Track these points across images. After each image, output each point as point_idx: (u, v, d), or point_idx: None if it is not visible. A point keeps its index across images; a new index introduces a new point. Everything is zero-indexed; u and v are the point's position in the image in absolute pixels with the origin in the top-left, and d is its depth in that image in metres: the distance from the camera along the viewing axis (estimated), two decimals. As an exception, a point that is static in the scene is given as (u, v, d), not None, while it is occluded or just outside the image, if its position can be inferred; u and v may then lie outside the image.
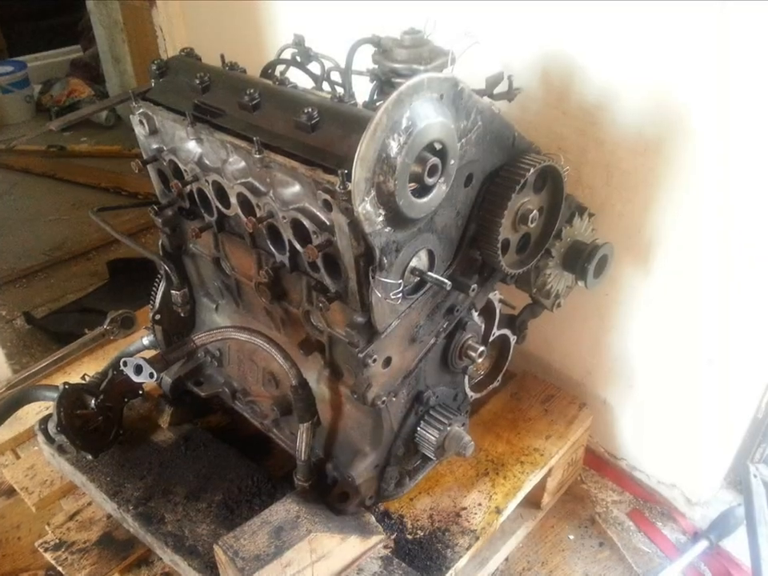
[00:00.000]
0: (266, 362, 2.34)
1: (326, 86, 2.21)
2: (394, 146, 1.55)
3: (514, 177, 1.87)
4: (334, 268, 1.82)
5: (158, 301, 2.48)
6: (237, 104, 1.92)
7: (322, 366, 2.19)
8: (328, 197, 1.64)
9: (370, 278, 1.73)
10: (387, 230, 1.67)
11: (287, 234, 1.85)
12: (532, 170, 1.87)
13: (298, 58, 2.23)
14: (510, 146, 1.91)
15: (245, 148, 1.83)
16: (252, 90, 1.88)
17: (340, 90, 2.13)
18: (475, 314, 2.19)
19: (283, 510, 2.10)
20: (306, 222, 1.76)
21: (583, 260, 2.22)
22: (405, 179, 1.59)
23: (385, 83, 2.02)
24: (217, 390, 2.51)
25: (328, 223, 1.73)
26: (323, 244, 1.74)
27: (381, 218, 1.63)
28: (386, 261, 1.72)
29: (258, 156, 1.77)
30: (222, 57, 2.18)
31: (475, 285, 1.96)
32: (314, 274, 1.92)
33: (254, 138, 1.77)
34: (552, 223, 2.10)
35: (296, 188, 1.78)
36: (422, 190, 1.66)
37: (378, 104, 1.88)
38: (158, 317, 2.50)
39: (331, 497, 2.18)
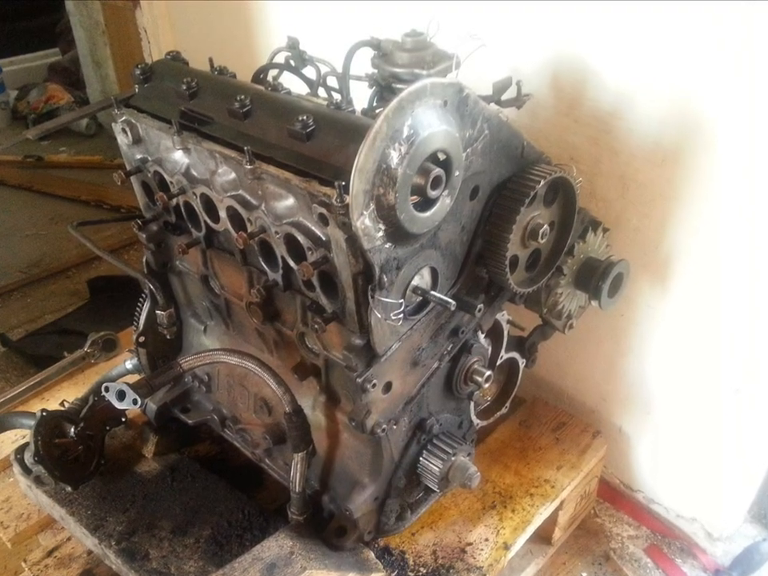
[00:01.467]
0: (257, 387, 2.34)
1: (321, 91, 2.22)
2: (394, 156, 1.55)
3: (522, 189, 1.87)
4: (331, 287, 1.82)
5: (142, 322, 2.47)
6: (226, 111, 1.92)
7: (317, 391, 2.18)
8: (324, 210, 1.64)
9: (369, 297, 1.73)
10: (387, 245, 1.67)
11: (280, 251, 1.85)
12: (542, 182, 1.87)
13: (292, 62, 2.24)
14: (518, 156, 1.91)
15: (235, 158, 1.83)
16: (243, 97, 1.88)
17: (337, 96, 2.14)
18: (481, 336, 2.19)
19: (276, 545, 2.09)
20: (301, 238, 1.76)
21: (597, 278, 2.22)
22: (406, 192, 1.59)
23: (385, 89, 2.02)
24: (205, 417, 2.51)
25: (324, 239, 1.73)
26: (319, 261, 1.74)
27: (380, 234, 1.63)
28: (386, 279, 1.71)
29: (249, 167, 1.77)
30: (211, 60, 2.18)
31: (481, 305, 1.96)
32: (309, 294, 1.92)
33: (245, 148, 1.77)
34: (563, 239, 2.10)
35: (290, 201, 1.78)
36: (425, 204, 1.66)
37: (377, 111, 1.88)
38: (142, 339, 2.49)
39: (327, 531, 2.18)
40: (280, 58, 2.25)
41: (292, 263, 1.84)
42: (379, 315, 1.76)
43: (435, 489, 2.22)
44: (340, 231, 1.63)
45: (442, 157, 1.65)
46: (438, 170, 1.61)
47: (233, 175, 1.91)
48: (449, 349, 2.08)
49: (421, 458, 2.18)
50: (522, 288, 2.07)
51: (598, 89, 2.28)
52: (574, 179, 1.98)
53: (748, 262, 2.20)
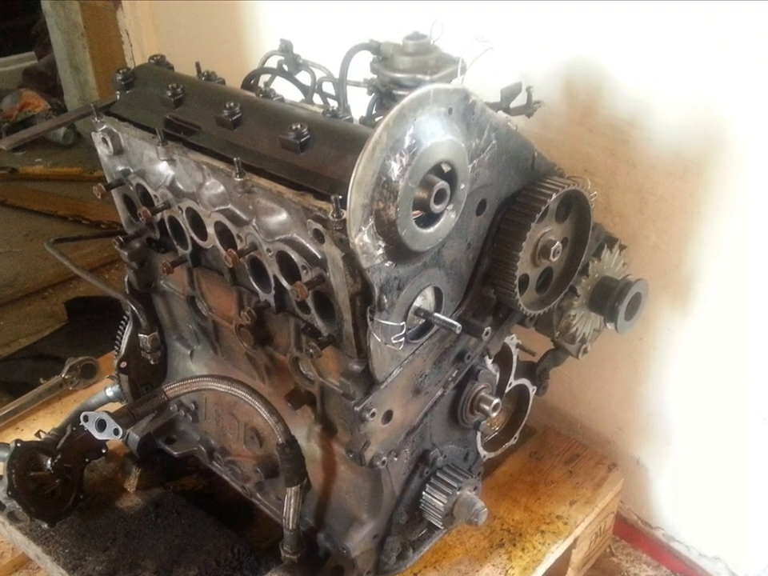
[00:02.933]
0: (248, 416, 2.33)
1: (317, 98, 2.23)
2: (395, 168, 1.55)
3: (533, 203, 1.87)
4: (327, 308, 1.81)
5: (123, 346, 2.47)
6: (215, 119, 1.92)
7: (312, 420, 2.18)
8: (319, 226, 1.63)
9: (368, 319, 1.73)
10: (388, 264, 1.66)
11: (272, 270, 1.85)
12: (554, 196, 1.87)
13: (285, 67, 2.24)
14: (528, 167, 1.92)
15: (224, 170, 1.83)
16: (232, 104, 1.89)
17: (333, 104, 2.14)
18: (489, 362, 2.19)
19: (268, 587, 2.09)
20: (294, 256, 1.76)
21: (613, 299, 2.22)
22: (408, 206, 1.59)
23: (385, 95, 2.02)
24: (192, 448, 2.50)
25: (319, 257, 1.73)
26: (314, 281, 1.73)
27: (380, 251, 1.63)
28: (386, 300, 1.71)
29: (238, 179, 1.77)
30: (198, 65, 2.19)
31: (489, 328, 1.96)
32: (303, 316, 1.92)
33: (235, 159, 1.77)
34: (577, 257, 2.10)
35: (283, 216, 1.78)
36: (428, 219, 1.66)
37: (377, 119, 1.89)
38: (123, 364, 2.49)
39: (323, 571, 2.17)
40: (272, 63, 2.26)
41: (285, 283, 1.83)
42: (379, 339, 1.75)
43: (439, 525, 2.21)
44: (337, 249, 1.62)
45: (446, 169, 1.65)
46: (441, 183, 1.61)
47: (221, 188, 1.91)
48: (454, 375, 2.08)
49: (424, 493, 2.18)
50: (533, 310, 2.07)
51: (615, 96, 2.28)
52: (588, 193, 1.98)
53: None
